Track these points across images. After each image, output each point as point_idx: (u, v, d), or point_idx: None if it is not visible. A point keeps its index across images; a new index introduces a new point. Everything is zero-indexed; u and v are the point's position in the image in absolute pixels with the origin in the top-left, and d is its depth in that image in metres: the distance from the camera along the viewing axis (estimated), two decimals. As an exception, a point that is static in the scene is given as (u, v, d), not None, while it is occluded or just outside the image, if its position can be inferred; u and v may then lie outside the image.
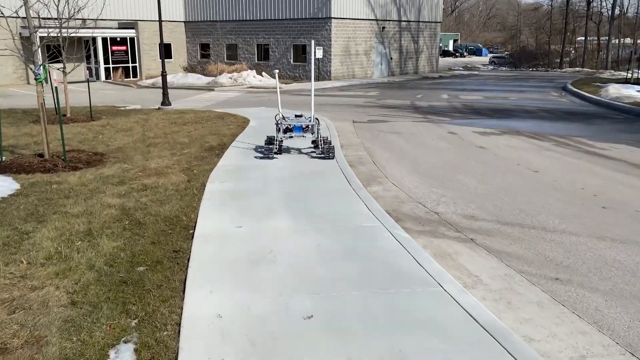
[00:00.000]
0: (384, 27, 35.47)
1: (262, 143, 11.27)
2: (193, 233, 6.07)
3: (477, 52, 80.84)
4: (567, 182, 8.95)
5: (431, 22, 40.31)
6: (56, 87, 10.10)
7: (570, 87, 26.68)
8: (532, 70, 50.41)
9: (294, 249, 5.59)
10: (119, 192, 7.75)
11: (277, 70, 11.90)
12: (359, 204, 7.28)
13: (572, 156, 11.08)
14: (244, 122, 14.98)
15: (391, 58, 37.00)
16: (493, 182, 8.97)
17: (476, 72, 45.14)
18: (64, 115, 15.56)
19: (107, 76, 32.22)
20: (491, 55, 67.90)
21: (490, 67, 54.69)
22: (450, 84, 31.85)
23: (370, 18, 34.10)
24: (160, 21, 19.40)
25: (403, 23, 37.26)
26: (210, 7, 35.73)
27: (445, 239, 6.36)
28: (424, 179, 9.28)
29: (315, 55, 10.62)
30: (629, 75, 28.61)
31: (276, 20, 33.15)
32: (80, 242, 5.74)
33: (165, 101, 19.08)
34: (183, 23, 37.03)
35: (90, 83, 18.75)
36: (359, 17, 33.24)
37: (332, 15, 31.03)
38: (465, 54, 78.46)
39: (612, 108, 19.31)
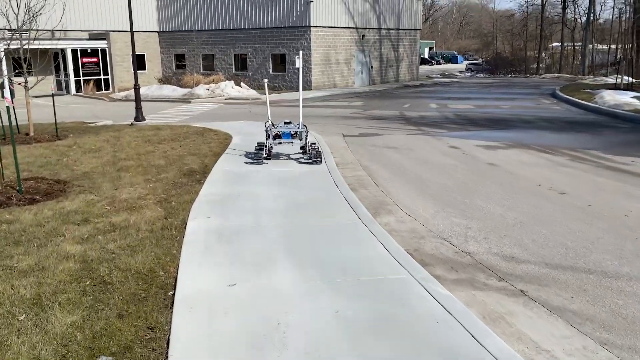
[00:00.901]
0: (364, 35, 34.44)
1: (249, 165, 10.48)
2: (173, 297, 4.72)
3: (452, 60, 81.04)
4: (604, 206, 7.81)
5: (410, 29, 39.45)
6: (8, 107, 8.68)
7: (560, 93, 25.87)
8: (511, 76, 50.00)
9: (307, 320, 4.28)
10: (81, 235, 6.36)
11: (266, 80, 12.34)
12: (375, 244, 6.02)
13: (594, 173, 9.99)
14: (225, 139, 13.64)
15: (372, 66, 35.97)
16: (520, 209, 7.79)
17: (456, 80, 44.43)
18: (27, 134, 14.07)
19: (78, 89, 30.48)
20: (467, 62, 67.79)
21: (468, 74, 54.18)
22: (434, 92, 30.89)
23: (350, 26, 33.03)
24: (132, 31, 17.99)
25: (383, 31, 36.30)
26: (185, 16, 34.27)
27: (489, 292, 5.13)
28: (438, 205, 8.07)
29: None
30: (618, 80, 27.99)
31: (254, 29, 31.84)
32: (24, 317, 4.36)
33: (139, 116, 17.63)
34: (157, 33, 35.49)
35: (60, 97, 17.29)
36: (339, 25, 32.13)
37: (312, 24, 29.84)
38: (441, 61, 78.46)
39: (614, 116, 18.38)
